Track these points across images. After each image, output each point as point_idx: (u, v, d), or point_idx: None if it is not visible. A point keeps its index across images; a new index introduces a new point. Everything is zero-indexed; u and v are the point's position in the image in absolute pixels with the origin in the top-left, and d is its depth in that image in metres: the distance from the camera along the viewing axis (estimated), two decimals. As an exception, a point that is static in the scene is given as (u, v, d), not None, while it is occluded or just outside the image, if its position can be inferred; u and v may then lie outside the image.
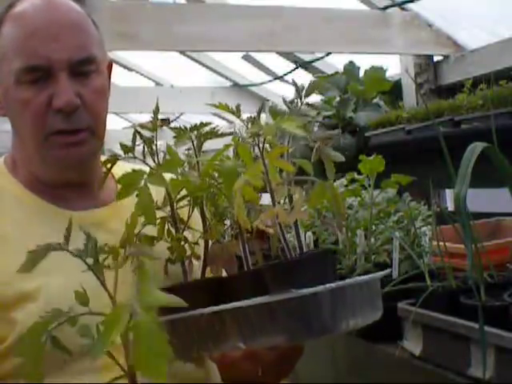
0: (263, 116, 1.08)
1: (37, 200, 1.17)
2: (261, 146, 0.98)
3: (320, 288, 0.89)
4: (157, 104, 1.04)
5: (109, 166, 1.08)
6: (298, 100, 1.03)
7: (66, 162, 1.15)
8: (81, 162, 1.17)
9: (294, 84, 1.04)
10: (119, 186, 1.22)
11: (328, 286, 0.90)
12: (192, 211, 1.09)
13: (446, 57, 2.97)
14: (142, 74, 5.29)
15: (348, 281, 0.96)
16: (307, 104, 1.03)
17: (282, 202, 1.00)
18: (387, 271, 1.06)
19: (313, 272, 0.93)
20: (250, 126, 1.00)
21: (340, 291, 0.92)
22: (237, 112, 1.03)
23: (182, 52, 4.19)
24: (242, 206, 0.96)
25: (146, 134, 1.04)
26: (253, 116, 1.02)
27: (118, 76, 5.22)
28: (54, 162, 1.15)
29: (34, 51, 1.09)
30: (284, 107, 1.06)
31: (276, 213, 0.95)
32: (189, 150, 1.08)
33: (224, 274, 1.14)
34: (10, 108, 1.15)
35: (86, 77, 1.13)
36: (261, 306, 0.92)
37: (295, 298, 0.89)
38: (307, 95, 1.03)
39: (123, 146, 1.02)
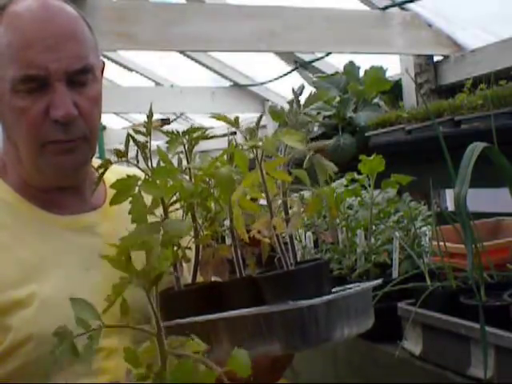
0: (263, 118, 1.08)
1: (27, 205, 1.17)
2: (259, 157, 0.98)
3: (317, 300, 0.92)
4: (150, 108, 1.04)
5: (101, 171, 1.08)
6: (297, 108, 1.03)
7: (61, 170, 1.15)
8: (75, 169, 1.17)
9: (294, 93, 1.04)
10: (109, 189, 1.22)
11: (324, 298, 0.93)
12: (186, 216, 1.09)
13: (446, 57, 2.97)
14: (142, 74, 5.29)
15: (343, 293, 0.99)
16: (305, 114, 1.03)
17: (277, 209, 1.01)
18: (378, 281, 1.08)
19: (309, 283, 0.95)
20: (248, 136, 1.01)
21: (335, 303, 0.95)
22: (235, 123, 1.03)
23: (182, 52, 4.19)
24: (240, 218, 0.97)
25: (140, 137, 1.04)
26: (252, 126, 1.02)
27: (118, 76, 5.24)
28: (49, 169, 1.15)
29: (32, 61, 1.08)
30: (284, 107, 1.06)
31: (273, 224, 0.96)
32: (181, 152, 1.08)
33: (214, 278, 1.14)
34: (4, 114, 1.14)
35: (83, 85, 1.13)
36: (258, 316, 0.94)
37: (293, 310, 0.91)
38: (307, 106, 1.03)
39: (117, 151, 1.01)
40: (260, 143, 0.97)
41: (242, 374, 0.69)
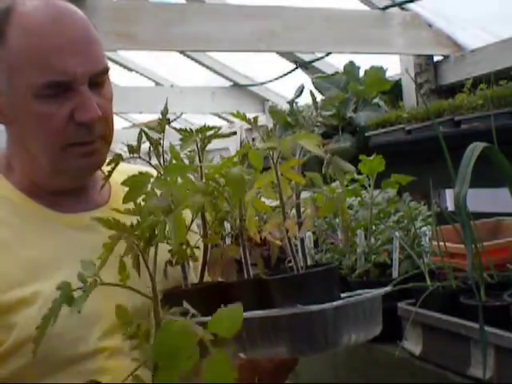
0: (263, 118, 1.08)
1: (31, 204, 1.17)
2: (275, 158, 0.98)
3: (326, 305, 0.91)
4: (166, 105, 1.04)
5: (109, 168, 1.08)
6: (314, 113, 1.04)
7: (82, 172, 1.16)
8: (95, 170, 1.17)
9: (313, 98, 1.04)
10: (113, 188, 1.22)
11: (334, 303, 0.92)
12: (196, 215, 1.09)
13: (446, 57, 2.97)
14: (142, 74, 5.29)
15: (352, 299, 0.98)
16: (321, 116, 1.03)
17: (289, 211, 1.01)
18: (387, 289, 1.07)
19: (319, 287, 0.95)
20: (265, 137, 1.00)
21: (344, 308, 0.94)
22: (254, 122, 1.04)
23: (182, 52, 4.19)
24: (253, 219, 0.97)
25: (153, 134, 1.04)
26: (268, 129, 1.02)
27: (118, 76, 5.23)
28: (70, 172, 1.14)
29: (58, 67, 1.07)
30: (284, 107, 1.06)
31: (286, 226, 0.96)
32: (191, 151, 1.07)
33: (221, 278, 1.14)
34: (19, 119, 1.13)
35: (101, 86, 1.13)
36: (266, 319, 0.93)
37: (301, 314, 0.91)
38: (323, 109, 1.03)
39: (129, 147, 1.01)
40: (278, 146, 0.97)
41: (224, 334, 0.67)
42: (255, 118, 1.04)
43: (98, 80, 1.13)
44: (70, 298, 0.77)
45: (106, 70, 1.14)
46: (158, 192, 0.96)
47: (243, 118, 1.04)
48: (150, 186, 0.95)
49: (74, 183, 1.18)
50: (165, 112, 1.03)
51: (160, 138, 1.03)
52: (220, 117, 5.44)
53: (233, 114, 1.06)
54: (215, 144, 1.10)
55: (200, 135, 1.06)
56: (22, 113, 1.11)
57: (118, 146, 1.36)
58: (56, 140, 1.10)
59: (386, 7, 2.96)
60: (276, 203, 1.02)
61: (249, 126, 1.05)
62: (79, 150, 1.12)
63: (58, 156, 1.12)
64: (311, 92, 1.06)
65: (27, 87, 1.08)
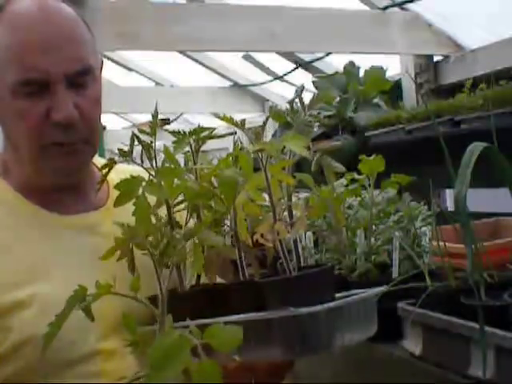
0: (263, 118, 1.08)
1: (28, 205, 1.16)
2: (264, 160, 0.98)
3: (317, 307, 0.91)
4: (156, 107, 1.04)
5: (105, 170, 1.08)
6: (302, 111, 1.03)
7: (62, 171, 1.15)
8: (76, 170, 1.17)
9: (300, 99, 1.04)
10: (111, 189, 1.22)
11: (325, 305, 0.92)
12: (190, 217, 1.08)
13: (446, 57, 2.97)
14: (142, 74, 5.29)
15: (345, 300, 0.98)
16: (310, 115, 1.03)
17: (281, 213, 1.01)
18: (382, 288, 1.07)
19: (311, 289, 0.95)
20: (254, 139, 1.00)
21: (337, 310, 0.94)
22: (241, 125, 1.03)
23: (182, 52, 4.19)
24: (243, 222, 0.97)
25: (145, 137, 1.03)
26: (257, 129, 1.01)
27: (118, 76, 5.23)
28: (50, 170, 1.14)
29: (31, 65, 1.07)
30: (284, 107, 1.06)
31: (277, 229, 0.95)
32: (186, 152, 1.07)
33: (218, 279, 1.14)
34: (4, 116, 1.14)
35: (83, 87, 1.12)
36: (259, 322, 0.93)
37: (293, 317, 0.91)
38: (311, 107, 1.03)
39: (121, 151, 1.01)
40: (265, 147, 0.97)
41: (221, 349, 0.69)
42: (242, 121, 1.03)
43: (79, 80, 1.12)
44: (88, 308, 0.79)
45: (85, 71, 1.13)
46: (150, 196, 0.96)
47: (230, 121, 1.03)
48: (140, 190, 0.95)
49: (59, 181, 1.18)
50: (155, 115, 1.02)
51: (151, 142, 1.02)
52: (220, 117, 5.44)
53: (220, 117, 1.05)
54: (214, 144, 1.10)
55: (194, 137, 1.05)
56: (4, 110, 1.12)
57: (116, 146, 1.35)
58: (34, 139, 1.11)
59: (386, 7, 2.96)
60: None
61: (249, 126, 1.04)
62: (57, 150, 1.12)
63: (38, 155, 1.12)
64: (300, 94, 1.06)
65: (6, 84, 1.09)
